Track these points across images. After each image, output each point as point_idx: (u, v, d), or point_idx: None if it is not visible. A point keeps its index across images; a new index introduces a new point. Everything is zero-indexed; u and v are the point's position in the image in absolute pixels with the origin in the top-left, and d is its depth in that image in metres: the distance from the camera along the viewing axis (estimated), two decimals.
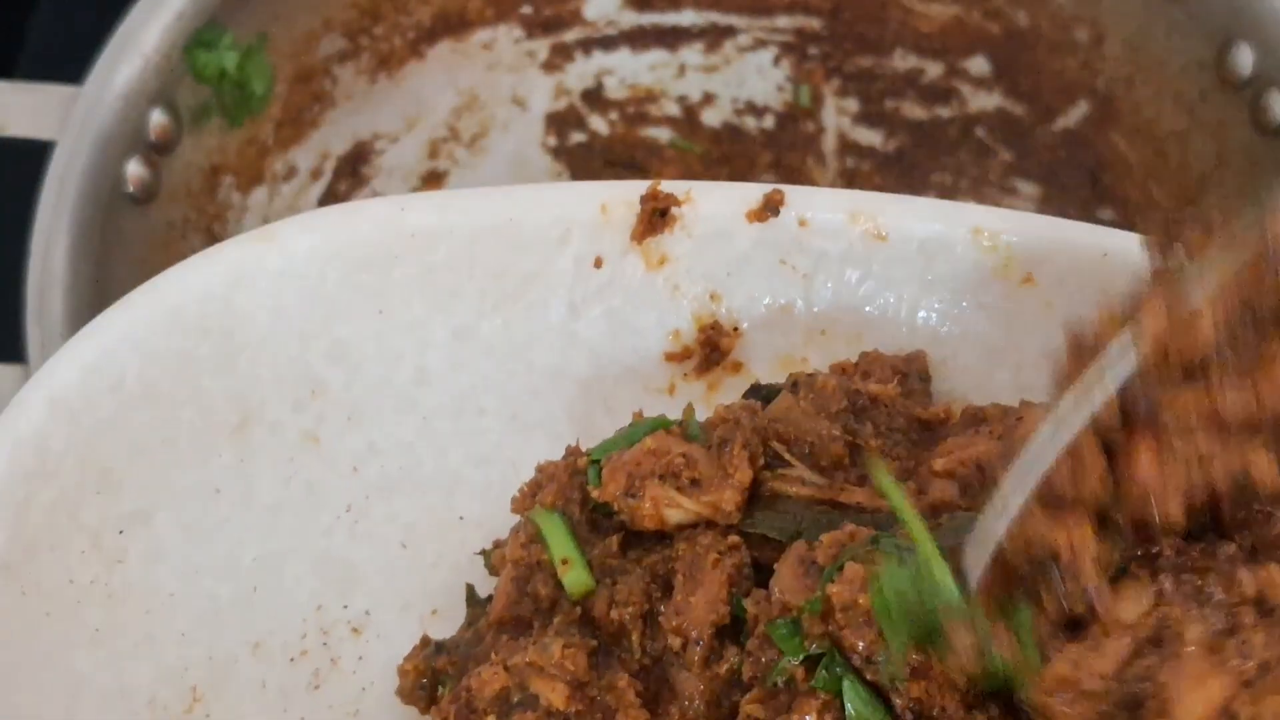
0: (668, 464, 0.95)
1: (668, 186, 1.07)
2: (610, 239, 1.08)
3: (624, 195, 1.07)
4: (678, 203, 1.07)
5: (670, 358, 1.09)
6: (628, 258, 1.08)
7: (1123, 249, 1.03)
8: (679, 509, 0.95)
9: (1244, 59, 1.49)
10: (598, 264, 1.08)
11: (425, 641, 1.01)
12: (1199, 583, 0.84)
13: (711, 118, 1.74)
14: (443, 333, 1.09)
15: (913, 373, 1.05)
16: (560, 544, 0.96)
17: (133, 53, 1.45)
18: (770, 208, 1.06)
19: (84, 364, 1.02)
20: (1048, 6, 1.67)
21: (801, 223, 1.07)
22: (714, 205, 1.07)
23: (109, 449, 1.02)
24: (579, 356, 1.10)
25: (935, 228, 1.06)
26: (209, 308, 1.05)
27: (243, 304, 1.05)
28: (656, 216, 1.07)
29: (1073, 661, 0.84)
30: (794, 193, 1.07)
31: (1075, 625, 0.86)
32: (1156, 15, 1.60)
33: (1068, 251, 1.05)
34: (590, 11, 1.73)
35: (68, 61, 1.47)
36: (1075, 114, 1.69)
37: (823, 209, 1.07)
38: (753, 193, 1.07)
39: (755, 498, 0.97)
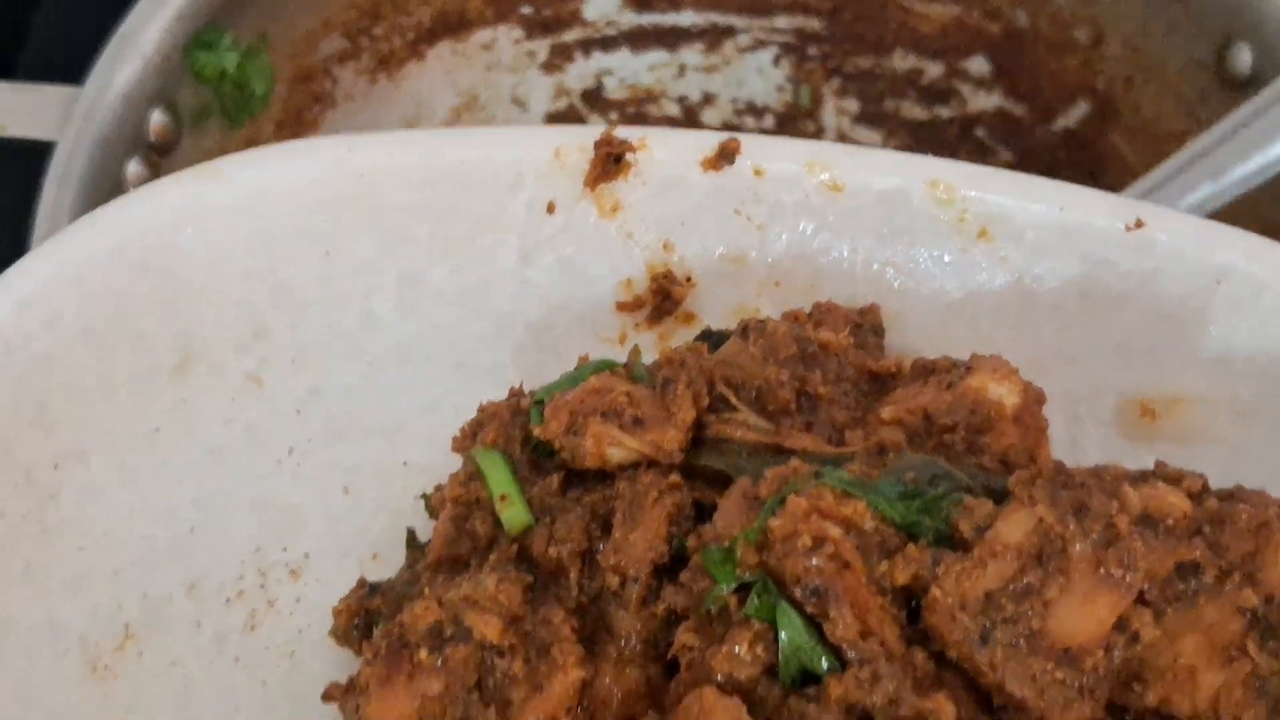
0: (610, 402, 0.94)
1: (622, 133, 1.06)
2: (563, 184, 1.06)
3: (578, 140, 1.06)
4: (632, 149, 1.05)
5: (622, 307, 1.07)
6: (581, 204, 1.06)
7: (1080, 204, 1.02)
8: (620, 447, 0.93)
9: (1244, 59, 1.49)
10: (550, 209, 1.06)
11: (361, 584, 0.99)
12: (1079, 497, 0.83)
13: (711, 118, 1.73)
14: (391, 277, 1.07)
15: (866, 325, 1.03)
16: (500, 480, 0.95)
17: (133, 53, 1.45)
18: (725, 156, 1.05)
19: (19, 299, 1.00)
20: (1048, 7, 1.66)
21: (757, 172, 1.05)
22: (668, 152, 1.06)
23: (44, 385, 1.00)
24: (530, 304, 1.08)
25: (892, 180, 1.04)
26: (150, 244, 1.03)
27: (186, 242, 1.03)
28: (611, 163, 1.05)
29: (955, 578, 0.82)
30: (750, 141, 1.05)
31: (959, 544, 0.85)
32: (1156, 15, 1.59)
33: (1025, 207, 1.03)
34: (590, 12, 1.73)
35: (68, 62, 1.48)
36: (1075, 114, 1.69)
37: (778, 158, 1.05)
38: (708, 140, 1.05)
39: (699, 441, 0.95)
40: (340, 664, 1.00)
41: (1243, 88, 1.50)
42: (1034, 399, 0.95)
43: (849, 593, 0.82)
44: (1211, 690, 0.83)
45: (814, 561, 0.82)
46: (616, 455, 0.93)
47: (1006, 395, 0.94)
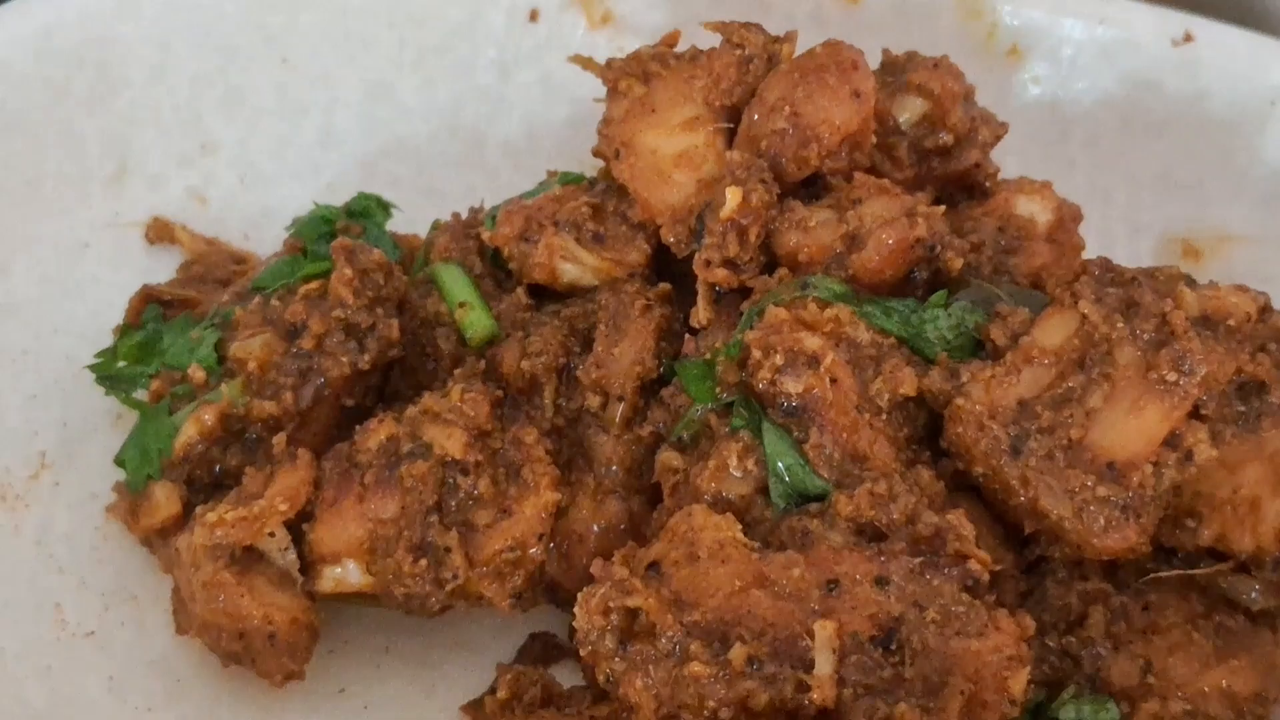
0: (570, 211, 0.83)
1: None
2: None
3: None
4: None
5: None
6: (567, 13, 0.96)
7: (1121, 17, 0.93)
8: (576, 264, 0.83)
9: None
10: (533, 18, 0.96)
11: None
12: (1129, 294, 0.73)
13: None
14: (355, 89, 0.97)
15: None
16: (457, 289, 0.84)
17: None
18: None
19: None
20: None
21: None
22: None
23: None
24: (509, 123, 0.98)
25: None
26: (88, 34, 0.92)
27: (127, 34, 0.93)
28: None
29: (984, 386, 0.72)
30: None
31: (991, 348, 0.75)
32: None
33: (1060, 21, 0.93)
34: None
35: None
36: None
37: None
38: None
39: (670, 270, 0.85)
40: None
41: None
42: (1070, 216, 0.85)
43: (830, 413, 0.72)
44: (1278, 522, 0.73)
45: (787, 380, 0.72)
46: (570, 273, 0.83)
47: (1039, 211, 0.84)
